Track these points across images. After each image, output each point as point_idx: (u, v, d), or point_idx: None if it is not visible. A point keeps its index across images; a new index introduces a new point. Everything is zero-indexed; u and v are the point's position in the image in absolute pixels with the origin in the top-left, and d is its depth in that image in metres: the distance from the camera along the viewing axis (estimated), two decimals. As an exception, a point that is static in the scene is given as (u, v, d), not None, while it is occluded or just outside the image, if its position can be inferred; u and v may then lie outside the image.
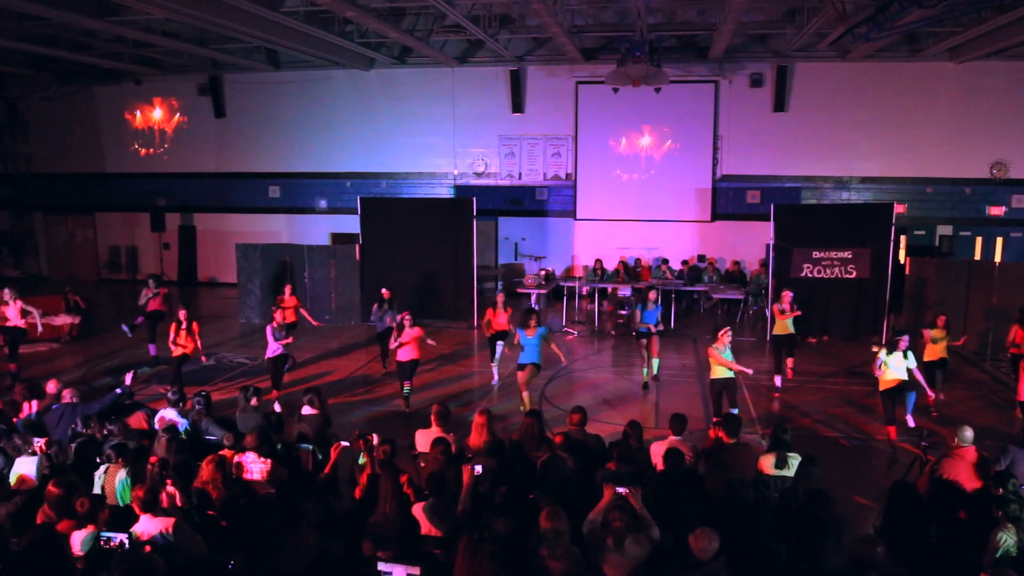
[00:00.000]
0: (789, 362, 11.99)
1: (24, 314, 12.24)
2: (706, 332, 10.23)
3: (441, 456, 6.43)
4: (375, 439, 6.75)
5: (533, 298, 17.41)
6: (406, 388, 10.75)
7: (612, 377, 12.77)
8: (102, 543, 4.95)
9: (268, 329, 10.88)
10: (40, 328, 12.85)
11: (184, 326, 11.03)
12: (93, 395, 9.54)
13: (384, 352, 12.73)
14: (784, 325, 11.70)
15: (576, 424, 7.41)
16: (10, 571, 4.49)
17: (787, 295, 11.82)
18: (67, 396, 8.11)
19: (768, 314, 13.93)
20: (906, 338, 9.36)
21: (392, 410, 10.88)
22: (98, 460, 6.47)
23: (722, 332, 9.53)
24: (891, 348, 9.32)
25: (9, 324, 12.15)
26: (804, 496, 5.75)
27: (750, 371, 9.83)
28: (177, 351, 11.04)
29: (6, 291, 12.29)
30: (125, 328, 12.78)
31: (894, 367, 9.30)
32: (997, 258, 18.18)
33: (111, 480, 6.18)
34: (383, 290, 12.96)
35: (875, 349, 9.84)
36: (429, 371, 12.54)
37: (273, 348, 10.82)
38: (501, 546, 4.59)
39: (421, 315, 12.97)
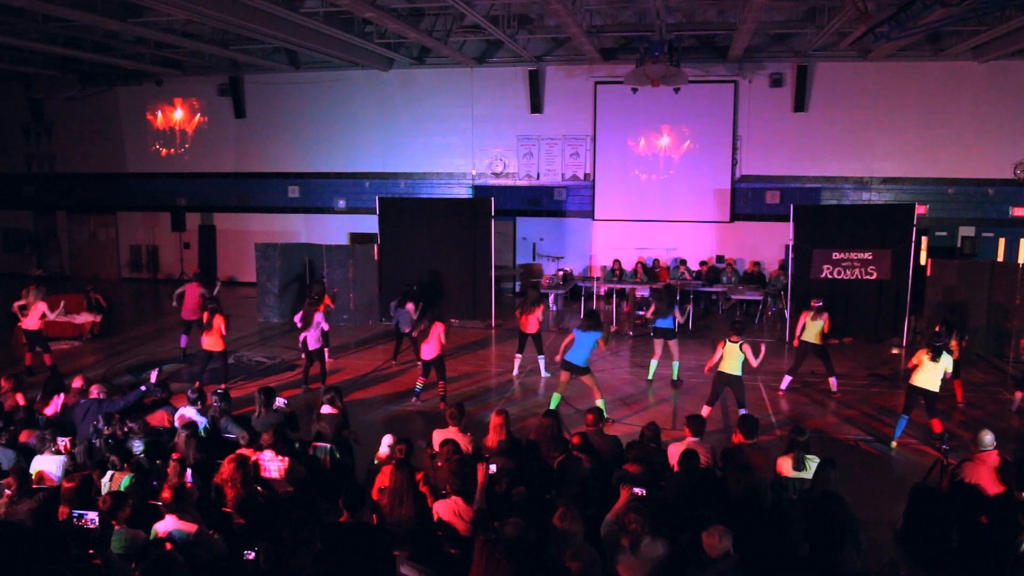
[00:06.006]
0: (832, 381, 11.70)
1: (42, 317, 12.14)
2: (724, 333, 10.18)
3: (453, 456, 6.43)
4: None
5: (551, 298, 17.39)
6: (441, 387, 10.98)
7: (630, 378, 12.73)
8: (75, 520, 5.10)
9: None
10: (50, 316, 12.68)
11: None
12: (115, 392, 9.61)
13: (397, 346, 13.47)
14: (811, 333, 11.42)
15: (593, 425, 7.41)
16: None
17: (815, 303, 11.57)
18: (94, 392, 8.17)
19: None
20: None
21: (409, 409, 10.92)
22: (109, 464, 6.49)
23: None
24: (936, 354, 9.04)
25: (29, 327, 12.19)
26: (816, 498, 5.73)
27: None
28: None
29: (31, 290, 12.39)
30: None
31: (927, 373, 9.11)
32: (1021, 259, 17.93)
33: (115, 487, 6.17)
34: (409, 304, 12.95)
35: (895, 351, 9.72)
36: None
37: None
38: (517, 546, 4.59)
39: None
